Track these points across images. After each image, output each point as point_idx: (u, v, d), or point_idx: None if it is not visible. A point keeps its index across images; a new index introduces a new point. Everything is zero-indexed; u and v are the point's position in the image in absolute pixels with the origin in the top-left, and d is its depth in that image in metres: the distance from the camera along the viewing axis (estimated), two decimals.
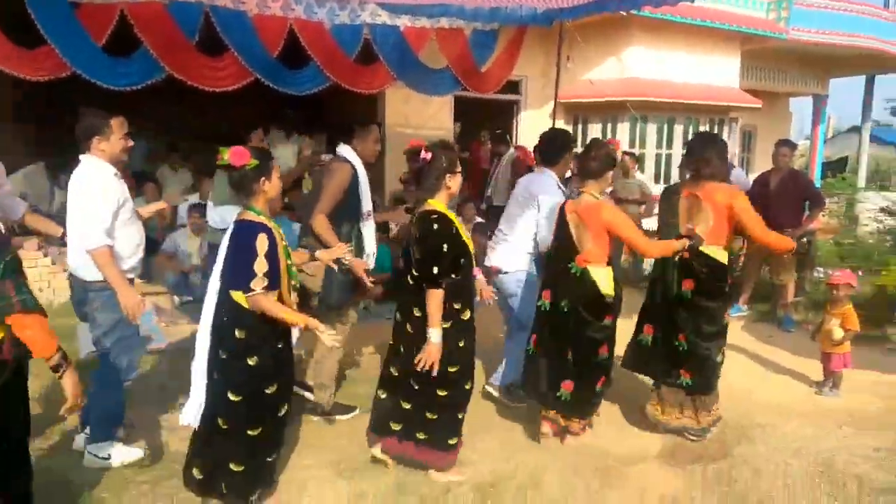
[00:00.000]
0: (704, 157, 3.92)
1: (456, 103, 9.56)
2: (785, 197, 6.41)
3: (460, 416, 3.47)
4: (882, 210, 9.07)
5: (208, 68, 6.47)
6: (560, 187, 4.40)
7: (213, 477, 3.01)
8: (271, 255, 2.88)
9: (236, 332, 2.92)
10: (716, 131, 10.95)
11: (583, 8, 6.47)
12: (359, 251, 4.06)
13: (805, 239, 6.86)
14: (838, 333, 4.76)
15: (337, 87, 7.26)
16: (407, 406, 3.41)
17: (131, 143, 3.59)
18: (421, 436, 3.40)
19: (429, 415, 3.37)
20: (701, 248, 3.85)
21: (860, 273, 7.84)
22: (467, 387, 3.45)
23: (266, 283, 2.85)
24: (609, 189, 4.75)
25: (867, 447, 3.94)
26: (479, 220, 8.09)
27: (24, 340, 2.34)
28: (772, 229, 4.06)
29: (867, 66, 14.24)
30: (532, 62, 9.51)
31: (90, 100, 6.64)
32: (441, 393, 3.34)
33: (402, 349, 3.42)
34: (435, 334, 3.21)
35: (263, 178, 3.00)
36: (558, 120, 9.88)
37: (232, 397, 2.93)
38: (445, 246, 3.22)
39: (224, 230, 3.20)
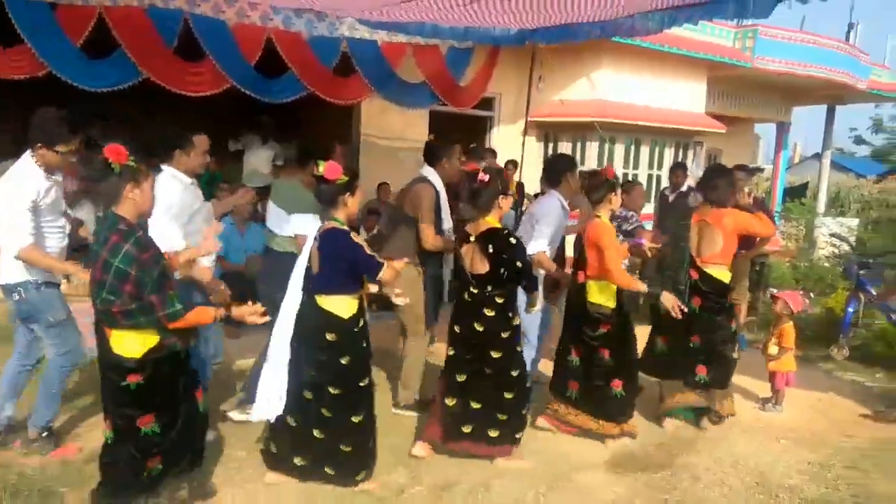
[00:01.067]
0: (712, 184, 4.46)
1: (431, 116, 9.74)
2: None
3: (524, 413, 3.85)
4: (832, 235, 9.44)
5: (186, 73, 6.56)
6: (565, 207, 4.69)
7: (317, 462, 3.39)
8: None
9: (327, 335, 3.29)
10: (681, 154, 11.31)
11: (554, 34, 6.68)
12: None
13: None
14: (773, 350, 5.01)
15: (313, 97, 7.40)
16: (477, 407, 3.74)
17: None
18: (493, 433, 3.74)
19: (499, 415, 3.73)
20: (708, 270, 4.41)
21: (812, 295, 8.20)
22: (528, 385, 3.90)
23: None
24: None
25: (803, 461, 4.18)
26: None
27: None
28: None
29: (829, 96, 14.78)
30: (506, 80, 9.74)
31: (64, 99, 6.74)
32: (508, 395, 3.73)
33: (468, 356, 3.76)
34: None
35: (348, 194, 3.34)
36: (529, 137, 10.16)
37: (332, 391, 3.31)
38: (520, 256, 3.71)
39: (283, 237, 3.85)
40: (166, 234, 3.48)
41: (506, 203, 3.78)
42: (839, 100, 15.25)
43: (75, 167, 7.67)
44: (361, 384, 3.40)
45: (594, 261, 4.12)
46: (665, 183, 9.81)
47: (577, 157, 10.47)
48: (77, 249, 6.92)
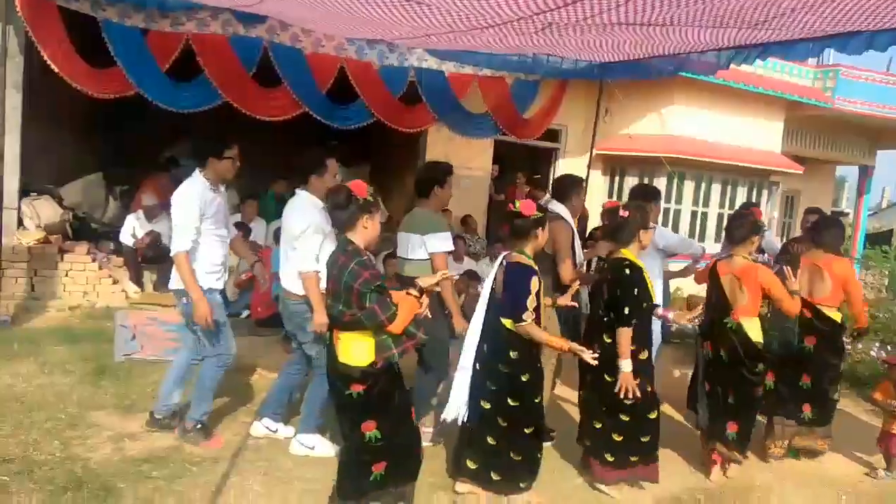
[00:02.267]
0: (826, 231, 4.80)
1: (496, 146, 9.84)
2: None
3: (644, 441, 3.92)
4: None
5: (262, 98, 6.91)
6: (568, 222, 4.64)
7: (485, 467, 3.62)
8: (538, 294, 3.51)
9: (511, 353, 3.54)
10: (755, 193, 10.98)
11: (624, 70, 6.66)
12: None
13: None
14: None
15: (381, 124, 7.62)
16: (598, 426, 3.96)
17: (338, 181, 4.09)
18: (609, 457, 3.90)
19: (614, 436, 3.89)
20: (823, 310, 4.65)
21: (889, 348, 7.77)
22: (652, 415, 3.93)
23: (534, 316, 3.47)
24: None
25: None
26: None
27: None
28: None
29: None
30: (573, 112, 9.75)
31: (149, 118, 7.12)
32: (624, 418, 3.86)
33: (590, 378, 4.00)
34: (625, 365, 3.75)
35: (540, 229, 3.61)
36: (595, 170, 10.08)
37: (511, 402, 3.55)
38: (636, 290, 3.77)
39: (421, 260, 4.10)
40: (308, 255, 3.82)
41: (647, 237, 4.00)
42: None
43: (156, 185, 8.18)
44: (536, 400, 3.64)
45: (749, 301, 4.15)
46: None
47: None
48: (155, 259, 7.35)
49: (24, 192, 7.01)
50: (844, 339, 5.09)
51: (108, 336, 5.79)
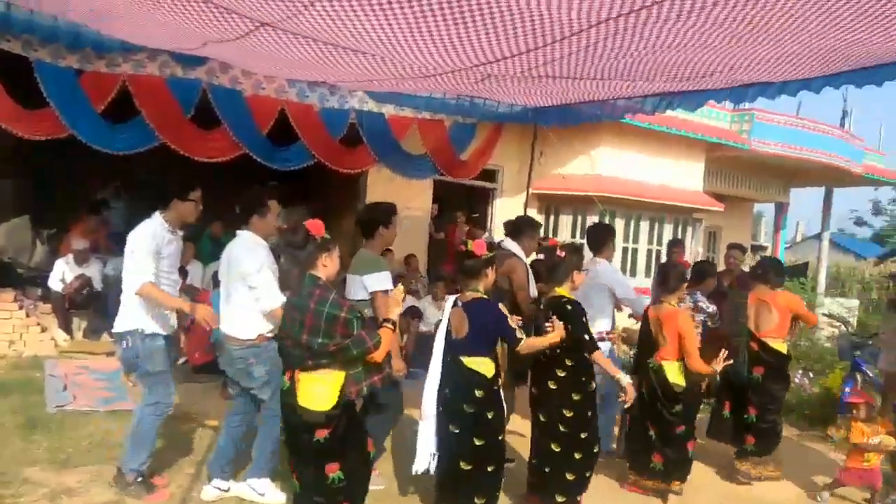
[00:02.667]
0: (767, 268, 5.27)
1: (435, 186, 10.00)
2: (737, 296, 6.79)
3: (587, 476, 4.09)
4: (827, 315, 9.50)
5: (201, 140, 6.86)
6: (522, 259, 4.84)
7: None
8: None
9: (476, 392, 3.61)
10: (680, 230, 11.50)
11: (556, 116, 6.96)
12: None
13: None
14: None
15: (322, 165, 7.66)
16: (548, 470, 4.04)
17: (279, 222, 4.20)
18: (559, 498, 3.98)
19: (568, 475, 3.99)
20: (769, 342, 5.02)
21: (811, 375, 8.21)
22: (595, 449, 4.08)
23: (523, 333, 3.69)
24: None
25: None
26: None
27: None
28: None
29: (825, 179, 15.12)
30: (509, 153, 10.05)
31: (79, 160, 6.93)
32: (577, 456, 3.99)
33: (540, 417, 4.09)
34: (622, 378, 4.06)
35: (491, 268, 3.75)
36: (531, 209, 10.35)
37: (477, 442, 3.61)
38: (584, 318, 4.01)
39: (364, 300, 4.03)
40: (272, 291, 3.80)
41: (579, 278, 4.20)
42: (836, 182, 15.58)
43: (85, 228, 7.93)
44: (500, 437, 3.72)
45: (672, 346, 4.45)
46: (664, 258, 9.95)
47: (578, 231, 10.69)
48: (84, 305, 7.09)
49: None
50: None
51: (38, 387, 5.54)
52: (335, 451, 3.04)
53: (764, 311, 5.09)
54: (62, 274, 7.24)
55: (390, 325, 3.20)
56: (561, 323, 3.87)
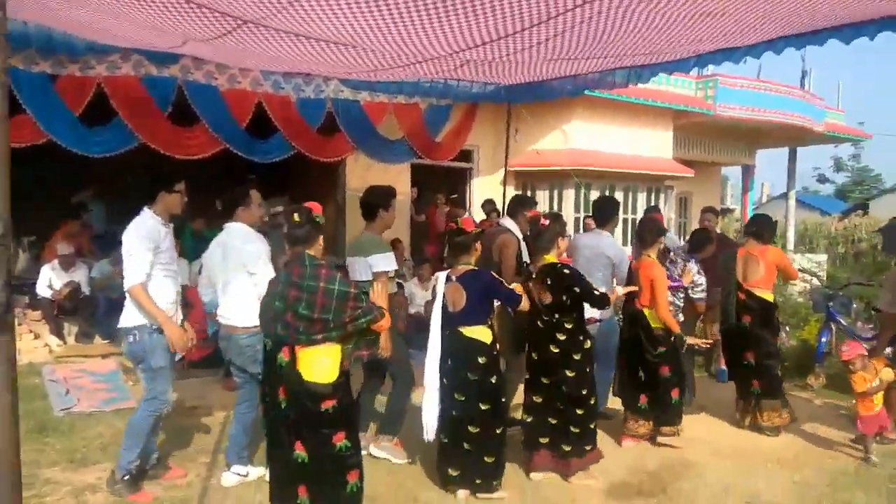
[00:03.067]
0: (760, 225, 5.57)
1: (413, 170, 10.10)
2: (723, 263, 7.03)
3: (591, 427, 4.33)
4: (801, 270, 9.83)
5: (180, 137, 6.86)
6: (519, 238, 5.09)
7: (466, 471, 3.91)
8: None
9: (479, 359, 3.87)
10: (653, 197, 11.77)
11: (529, 93, 7.09)
12: None
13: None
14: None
15: (301, 155, 7.71)
16: (554, 422, 4.24)
17: (262, 212, 4.33)
18: (566, 447, 4.22)
19: (573, 429, 4.20)
20: (755, 292, 5.31)
21: (787, 329, 8.53)
22: (593, 401, 4.34)
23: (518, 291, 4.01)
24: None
25: (788, 481, 4.40)
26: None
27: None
28: None
29: (789, 139, 15.53)
30: (483, 133, 10.18)
31: (53, 165, 6.88)
32: (579, 411, 4.23)
33: (544, 378, 4.27)
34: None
35: (479, 242, 4.05)
36: (509, 186, 10.50)
37: (483, 406, 3.86)
38: (581, 277, 4.26)
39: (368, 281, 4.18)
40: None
41: (563, 244, 4.44)
42: (799, 142, 16.01)
43: (68, 233, 7.90)
44: (504, 400, 4.02)
45: (648, 293, 4.84)
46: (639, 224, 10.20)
47: (555, 204, 10.88)
48: (73, 310, 7.10)
49: None
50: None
51: (39, 393, 5.59)
52: (342, 421, 3.16)
53: (752, 264, 5.39)
54: (49, 280, 7.23)
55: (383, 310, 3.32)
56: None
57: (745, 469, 4.59)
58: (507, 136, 9.24)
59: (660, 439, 4.96)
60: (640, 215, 10.81)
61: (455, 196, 10.39)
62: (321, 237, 3.26)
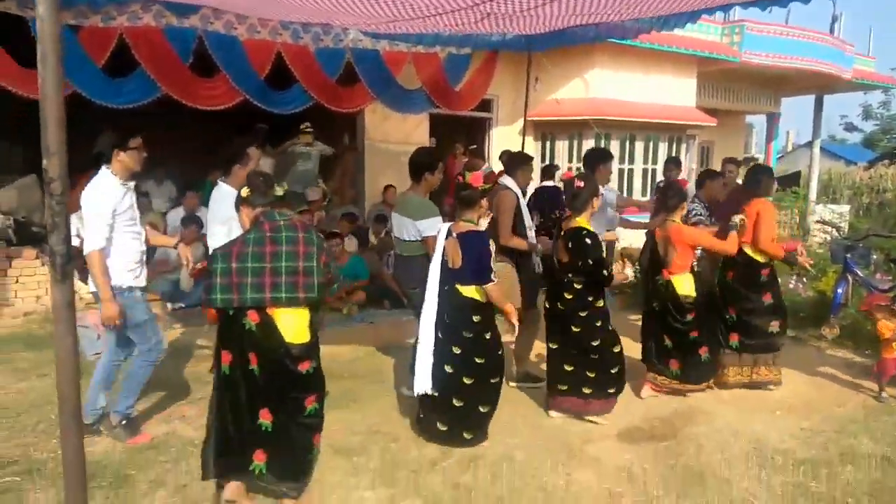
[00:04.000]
0: (756, 178, 5.41)
1: (431, 120, 10.08)
2: (732, 209, 7.02)
3: (613, 372, 4.43)
4: (820, 222, 9.78)
5: (201, 88, 6.93)
6: (517, 193, 5.13)
7: (455, 425, 4.00)
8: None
9: (473, 317, 3.96)
10: (675, 148, 11.66)
11: (550, 39, 7.01)
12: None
13: None
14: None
15: (319, 106, 7.74)
16: (570, 369, 4.39)
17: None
18: (586, 390, 4.38)
19: (588, 373, 4.37)
20: (743, 247, 5.17)
21: (805, 280, 8.55)
22: (615, 349, 4.45)
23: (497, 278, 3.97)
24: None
25: (795, 427, 4.53)
26: None
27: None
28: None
29: (816, 86, 15.16)
30: (503, 82, 10.09)
31: (76, 114, 6.96)
32: (593, 356, 4.37)
33: (555, 328, 4.47)
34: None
35: (485, 199, 4.08)
36: (528, 136, 10.47)
37: (478, 360, 3.97)
38: (599, 252, 4.29)
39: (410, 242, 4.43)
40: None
41: (597, 202, 4.45)
42: (827, 89, 15.63)
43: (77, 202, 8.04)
44: (500, 352, 4.11)
45: (678, 259, 4.84)
46: (660, 176, 10.15)
47: (574, 154, 10.84)
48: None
49: None
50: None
51: None
52: (316, 383, 3.19)
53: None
54: (76, 229, 7.39)
55: None
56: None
57: (753, 416, 4.72)
58: (527, 85, 9.17)
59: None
60: (660, 165, 10.74)
61: (474, 147, 10.37)
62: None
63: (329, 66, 7.60)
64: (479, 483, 3.65)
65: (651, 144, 11.35)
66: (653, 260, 5.12)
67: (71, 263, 2.39)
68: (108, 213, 3.75)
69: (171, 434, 4.13)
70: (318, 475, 3.64)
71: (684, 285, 4.89)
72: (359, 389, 5.00)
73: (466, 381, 3.97)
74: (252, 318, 3.06)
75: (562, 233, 4.43)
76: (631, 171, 11.22)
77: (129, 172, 3.93)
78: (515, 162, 5.32)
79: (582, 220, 4.37)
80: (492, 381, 4.06)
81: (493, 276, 3.91)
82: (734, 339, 5.25)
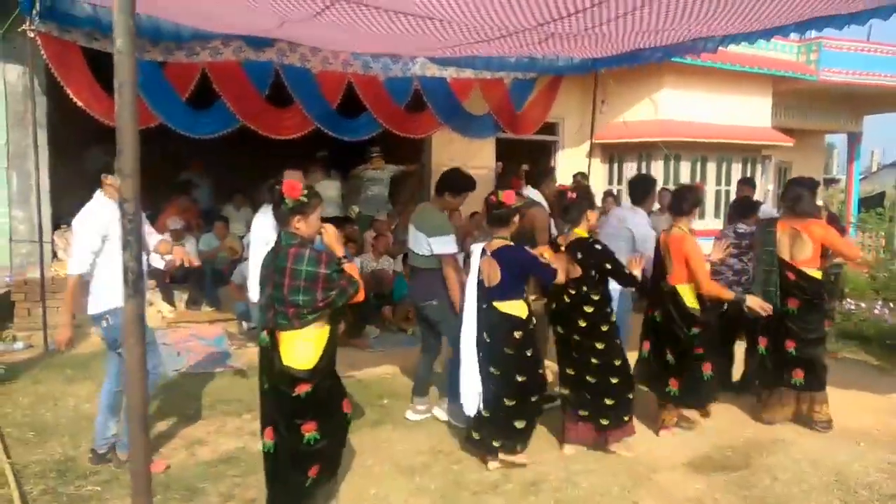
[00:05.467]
0: (797, 195, 4.81)
1: (497, 143, 10.16)
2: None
3: (631, 397, 4.28)
4: None
5: (276, 119, 7.23)
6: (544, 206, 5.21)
7: (509, 441, 4.00)
8: None
9: (514, 334, 3.91)
10: (749, 168, 11.32)
11: (616, 60, 7.00)
12: None
13: (833, 271, 7.19)
14: None
15: (388, 132, 7.93)
16: (589, 396, 4.24)
17: None
18: (604, 421, 4.23)
19: (607, 401, 4.20)
20: (804, 270, 4.71)
21: (892, 305, 8.11)
22: (630, 372, 4.34)
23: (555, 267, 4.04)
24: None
25: (882, 460, 4.28)
26: None
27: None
28: None
29: None
30: (569, 105, 10.08)
31: (159, 143, 7.33)
32: (614, 380, 4.21)
33: (574, 355, 4.27)
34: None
35: (518, 216, 4.07)
36: (594, 159, 10.42)
37: (519, 378, 3.92)
38: (614, 255, 4.23)
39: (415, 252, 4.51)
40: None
41: (593, 216, 4.33)
42: None
43: (177, 208, 8.48)
44: (540, 371, 4.06)
45: (680, 270, 4.52)
46: (734, 197, 9.87)
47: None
48: (184, 279, 7.65)
49: (55, 226, 7.34)
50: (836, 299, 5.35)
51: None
52: (314, 409, 3.12)
53: (797, 240, 4.77)
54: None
55: (346, 261, 3.22)
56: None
57: (833, 447, 4.49)
58: (594, 107, 9.15)
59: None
60: (734, 187, 10.46)
61: (526, 168, 10.37)
62: (296, 217, 3.14)
63: (397, 93, 7.79)
64: None
65: (724, 166, 11.06)
66: (658, 266, 4.74)
67: (141, 281, 2.52)
68: (96, 238, 3.72)
69: (242, 449, 4.27)
70: (381, 493, 3.71)
71: (689, 296, 4.53)
72: None
73: (507, 402, 3.93)
74: (266, 335, 3.17)
75: (562, 249, 4.27)
76: (705, 192, 10.95)
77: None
78: (540, 176, 5.51)
79: (581, 231, 4.27)
80: (532, 399, 4.02)
81: (553, 268, 3.98)
82: (798, 377, 4.72)
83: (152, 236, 4.22)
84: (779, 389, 4.84)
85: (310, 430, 3.12)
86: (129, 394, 2.67)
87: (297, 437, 3.11)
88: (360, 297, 3.20)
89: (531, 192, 5.17)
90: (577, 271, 4.19)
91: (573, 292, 4.22)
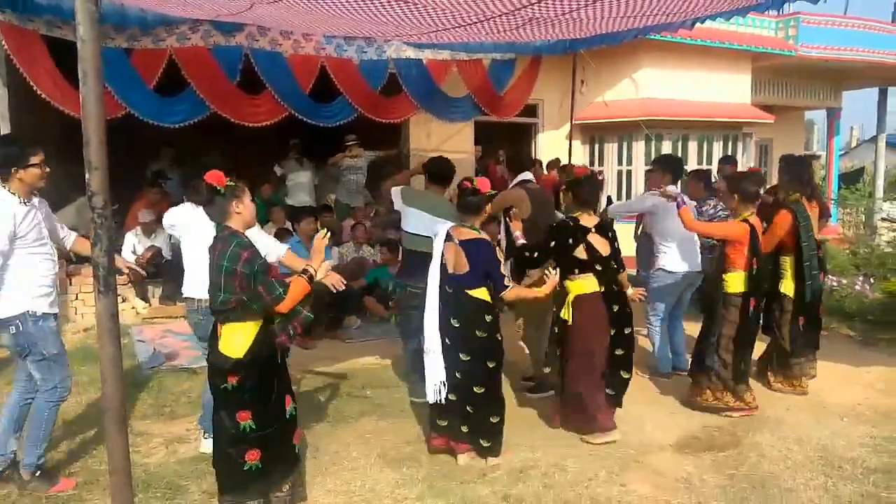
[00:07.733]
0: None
1: (476, 127, 10.03)
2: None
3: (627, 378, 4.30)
4: (884, 219, 9.32)
5: (248, 105, 7.03)
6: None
7: (474, 431, 3.87)
8: None
9: (486, 318, 3.83)
10: (730, 146, 11.29)
11: (593, 40, 6.89)
12: None
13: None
14: None
15: (364, 117, 7.78)
16: (626, 376, 4.28)
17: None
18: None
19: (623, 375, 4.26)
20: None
21: (872, 280, 8.15)
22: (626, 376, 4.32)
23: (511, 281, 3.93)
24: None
25: (865, 435, 4.28)
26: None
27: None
28: None
29: (878, 78, 14.52)
30: (548, 86, 9.96)
31: (127, 134, 7.13)
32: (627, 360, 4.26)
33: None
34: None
35: (489, 205, 3.97)
36: (575, 140, 10.33)
37: (490, 364, 3.84)
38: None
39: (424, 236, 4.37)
40: (270, 244, 4.00)
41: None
42: (891, 81, 14.95)
43: (148, 201, 8.28)
44: (504, 358, 3.97)
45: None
46: (715, 176, 9.84)
47: (624, 157, 10.62)
48: (157, 274, 7.49)
49: None
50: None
51: (128, 351, 5.95)
52: (245, 400, 3.06)
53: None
54: (133, 246, 7.63)
55: (305, 276, 3.14)
56: (556, 276, 4.05)
57: (818, 423, 4.49)
58: (573, 88, 9.04)
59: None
60: (715, 165, 10.42)
61: (502, 153, 10.29)
62: (234, 202, 3.05)
63: (372, 77, 7.62)
64: (530, 494, 3.55)
65: (705, 144, 11.03)
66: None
67: (112, 277, 2.41)
68: (3, 237, 3.35)
69: None
70: (368, 484, 3.63)
71: (733, 283, 4.59)
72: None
73: (477, 389, 3.82)
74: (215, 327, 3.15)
75: (589, 231, 4.18)
76: (684, 170, 10.91)
77: (31, 191, 3.52)
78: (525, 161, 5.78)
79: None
80: (500, 390, 3.96)
81: (507, 282, 3.84)
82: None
83: (65, 230, 3.92)
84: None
85: (244, 419, 3.07)
86: (105, 392, 2.62)
87: (233, 425, 3.07)
88: (283, 309, 3.04)
89: (527, 175, 5.34)
90: (607, 248, 4.21)
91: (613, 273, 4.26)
